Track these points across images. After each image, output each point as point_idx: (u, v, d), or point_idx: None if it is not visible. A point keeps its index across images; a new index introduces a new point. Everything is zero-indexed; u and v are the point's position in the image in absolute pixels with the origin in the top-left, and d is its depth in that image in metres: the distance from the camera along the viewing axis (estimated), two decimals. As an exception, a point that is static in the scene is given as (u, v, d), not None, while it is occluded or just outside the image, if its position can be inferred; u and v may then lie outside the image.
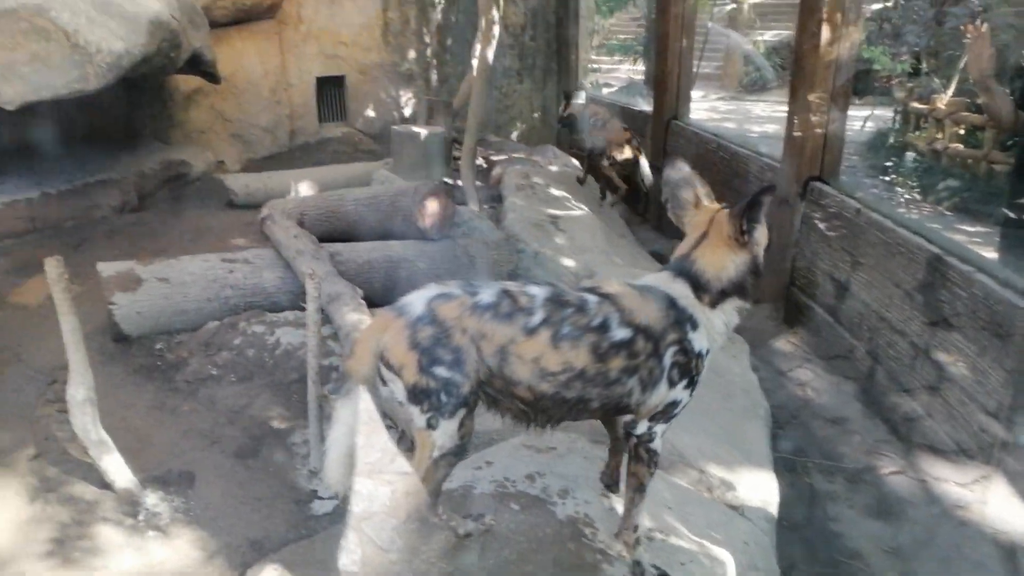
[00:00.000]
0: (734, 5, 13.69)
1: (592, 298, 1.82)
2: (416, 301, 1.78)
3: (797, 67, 4.60)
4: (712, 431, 3.02)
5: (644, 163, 5.98)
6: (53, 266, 2.41)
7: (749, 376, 3.52)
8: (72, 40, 4.56)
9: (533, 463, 2.82)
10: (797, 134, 4.55)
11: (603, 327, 1.78)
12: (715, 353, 1.92)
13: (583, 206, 6.04)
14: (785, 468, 3.30)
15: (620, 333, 1.78)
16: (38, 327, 4.16)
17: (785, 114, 4.69)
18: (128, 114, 7.18)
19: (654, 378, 1.84)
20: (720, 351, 3.69)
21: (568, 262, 4.85)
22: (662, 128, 6.77)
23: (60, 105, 5.06)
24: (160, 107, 7.26)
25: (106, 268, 3.86)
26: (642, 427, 1.90)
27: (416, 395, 1.73)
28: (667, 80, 6.76)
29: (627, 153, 5.97)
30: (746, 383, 3.45)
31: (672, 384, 1.85)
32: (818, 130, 4.48)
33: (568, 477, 2.66)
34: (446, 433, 1.78)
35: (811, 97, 4.43)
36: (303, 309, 3.99)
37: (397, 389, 1.75)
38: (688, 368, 1.86)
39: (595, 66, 14.14)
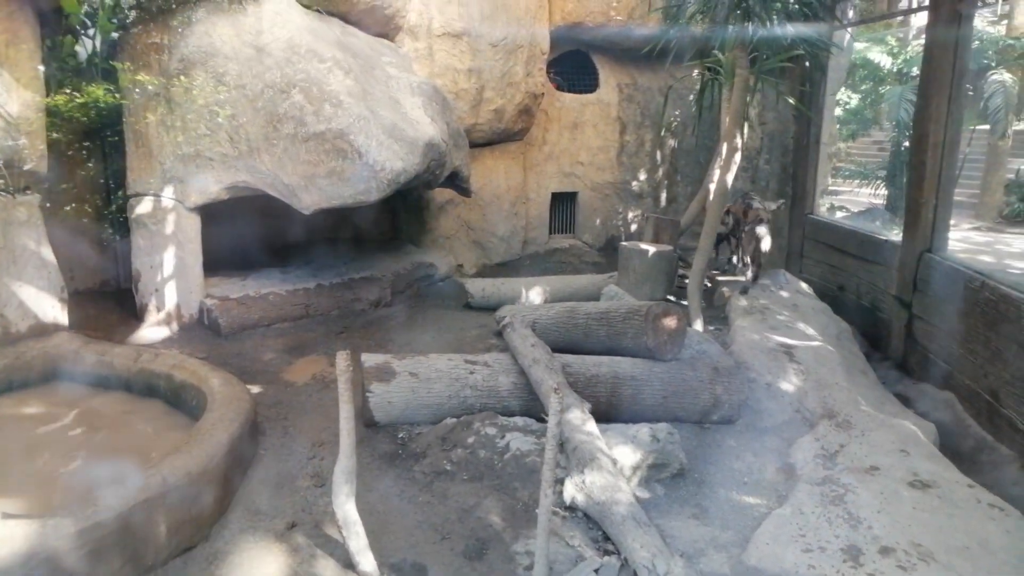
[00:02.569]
0: (998, 133, 12.60)
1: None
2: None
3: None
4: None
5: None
6: (343, 359, 2.75)
7: (1032, 559, 3.01)
8: (364, 159, 5.33)
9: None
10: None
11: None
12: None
13: (818, 336, 5.71)
14: None
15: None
16: (303, 404, 4.72)
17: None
18: (390, 220, 8.14)
19: None
20: (991, 524, 3.22)
21: (806, 399, 4.57)
22: (913, 261, 6.26)
23: (338, 210, 5.87)
24: (416, 215, 8.14)
25: (368, 359, 4.30)
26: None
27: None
28: (921, 210, 6.30)
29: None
30: (1028, 567, 2.95)
31: None
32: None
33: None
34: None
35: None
36: (535, 417, 4.14)
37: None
38: None
39: (832, 189, 13.61)
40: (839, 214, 11.99)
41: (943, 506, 3.40)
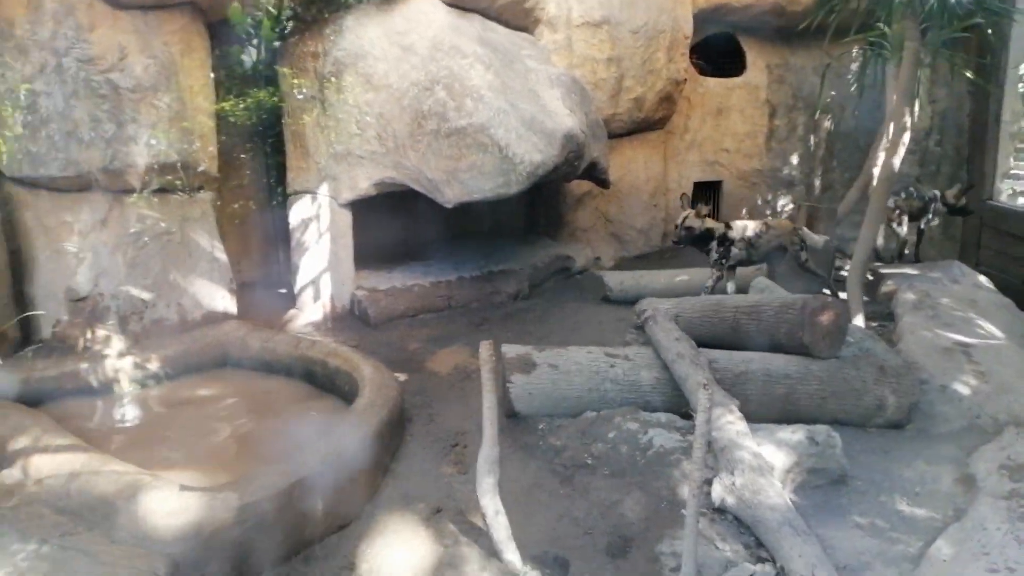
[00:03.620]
0: None
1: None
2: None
3: None
4: None
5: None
6: (486, 348, 2.76)
7: None
8: (503, 152, 5.37)
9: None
10: None
11: None
12: None
13: (1000, 334, 5.11)
14: None
15: None
16: (446, 393, 4.82)
17: None
18: (528, 213, 8.17)
19: None
20: None
21: (987, 404, 4.09)
22: (1120, 250, 5.48)
23: (476, 204, 5.93)
24: (553, 207, 8.11)
25: (509, 350, 4.31)
26: None
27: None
28: None
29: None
30: None
31: None
32: None
33: None
34: None
35: None
36: (681, 415, 3.99)
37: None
38: None
39: (1014, 172, 12.22)
40: (1021, 200, 10.73)
41: None
